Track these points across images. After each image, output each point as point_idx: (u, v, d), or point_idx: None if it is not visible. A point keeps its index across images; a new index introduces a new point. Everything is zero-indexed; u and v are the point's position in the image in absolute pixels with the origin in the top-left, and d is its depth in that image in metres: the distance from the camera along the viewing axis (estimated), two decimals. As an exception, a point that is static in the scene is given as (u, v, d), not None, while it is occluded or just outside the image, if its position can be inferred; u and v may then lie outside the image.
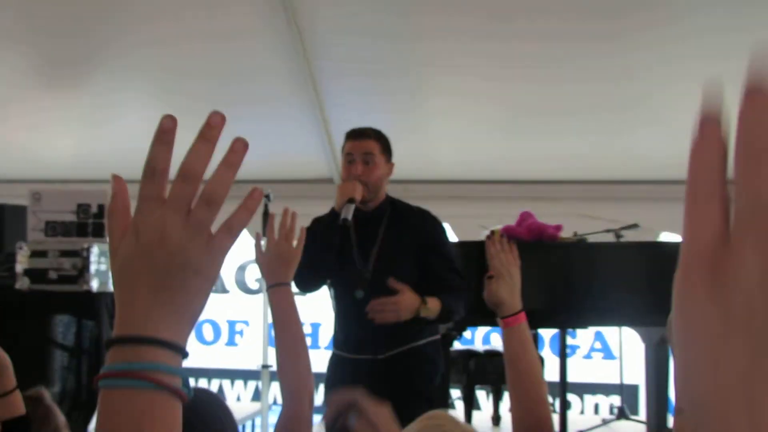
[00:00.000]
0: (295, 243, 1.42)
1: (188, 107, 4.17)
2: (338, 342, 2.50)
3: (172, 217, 0.54)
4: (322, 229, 2.38)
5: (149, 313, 0.52)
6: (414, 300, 2.28)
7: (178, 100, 4.22)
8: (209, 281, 0.55)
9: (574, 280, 3.34)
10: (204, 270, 0.54)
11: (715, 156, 0.30)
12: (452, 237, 3.81)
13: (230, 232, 0.55)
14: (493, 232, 3.41)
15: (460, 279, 2.42)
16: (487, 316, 1.55)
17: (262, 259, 1.39)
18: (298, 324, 1.32)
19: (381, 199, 2.49)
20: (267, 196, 3.78)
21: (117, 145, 4.48)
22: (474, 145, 4.51)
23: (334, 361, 2.50)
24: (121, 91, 4.29)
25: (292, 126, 4.43)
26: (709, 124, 0.30)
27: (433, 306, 2.31)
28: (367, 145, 2.39)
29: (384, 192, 2.51)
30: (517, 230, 3.44)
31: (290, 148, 4.58)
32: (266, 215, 3.99)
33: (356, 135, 2.42)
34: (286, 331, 1.30)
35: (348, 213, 2.27)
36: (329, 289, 2.54)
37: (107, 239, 0.63)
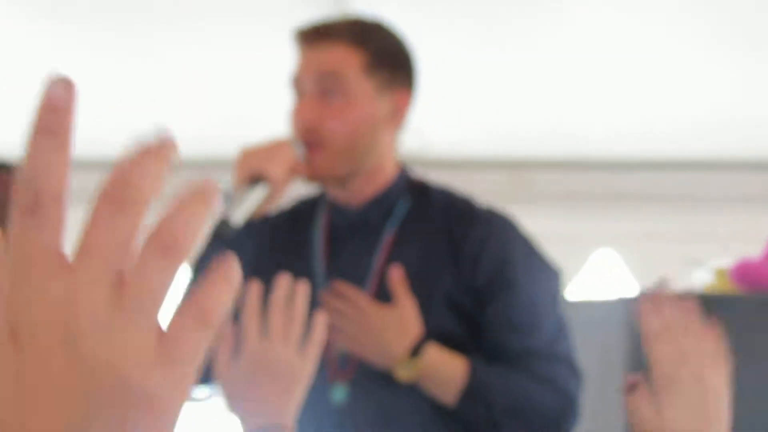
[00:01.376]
0: (305, 348, 1.54)
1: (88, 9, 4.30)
2: None
3: (89, 293, 0.53)
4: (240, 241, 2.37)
5: None
6: (404, 333, 2.22)
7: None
8: (166, 415, 0.54)
9: None
10: (155, 392, 0.53)
11: None
12: (588, 271, 3.90)
13: (203, 323, 0.55)
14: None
15: (552, 351, 2.33)
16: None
17: (229, 376, 1.53)
18: None
19: (382, 182, 2.34)
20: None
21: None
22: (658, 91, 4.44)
23: None
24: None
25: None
26: None
27: (434, 366, 2.23)
28: (328, 56, 2.29)
29: (387, 161, 2.35)
30: (765, 271, 3.31)
31: (276, 94, 4.47)
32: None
33: (307, 37, 2.33)
34: None
35: (237, 207, 2.14)
36: None
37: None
